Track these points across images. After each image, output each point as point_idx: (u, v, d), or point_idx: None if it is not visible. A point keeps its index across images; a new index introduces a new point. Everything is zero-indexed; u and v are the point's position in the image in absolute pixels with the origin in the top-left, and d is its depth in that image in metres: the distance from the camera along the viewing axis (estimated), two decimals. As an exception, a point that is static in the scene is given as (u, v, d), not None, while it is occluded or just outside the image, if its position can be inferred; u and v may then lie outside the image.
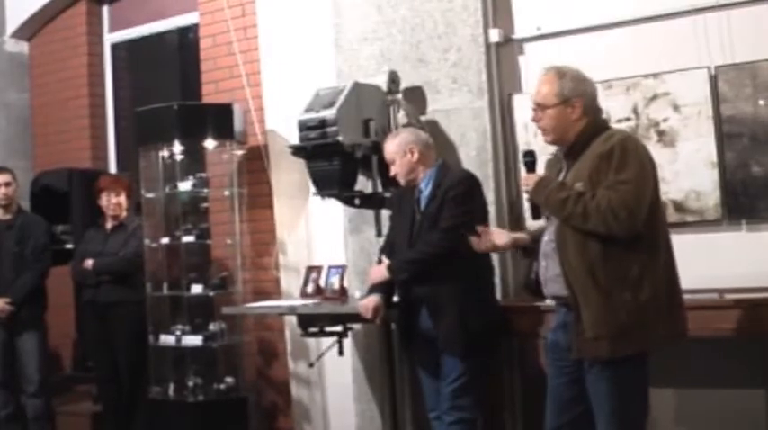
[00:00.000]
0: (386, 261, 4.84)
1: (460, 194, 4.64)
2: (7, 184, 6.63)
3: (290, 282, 6.42)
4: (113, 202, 6.56)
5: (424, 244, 4.66)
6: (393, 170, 4.86)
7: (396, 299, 4.90)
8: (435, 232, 4.63)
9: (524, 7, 5.57)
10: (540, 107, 3.86)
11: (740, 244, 4.92)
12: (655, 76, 5.10)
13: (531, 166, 3.99)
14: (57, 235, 7.00)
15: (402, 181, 4.85)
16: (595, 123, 3.85)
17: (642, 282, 3.61)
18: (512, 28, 5.59)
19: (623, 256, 3.63)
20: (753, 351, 4.63)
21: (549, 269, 3.85)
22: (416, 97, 5.61)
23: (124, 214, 6.64)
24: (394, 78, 5.48)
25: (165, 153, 6.58)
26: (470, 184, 4.75)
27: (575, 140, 3.82)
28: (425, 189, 4.78)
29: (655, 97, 5.10)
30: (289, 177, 6.38)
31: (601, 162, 3.65)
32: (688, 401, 4.96)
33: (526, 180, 3.92)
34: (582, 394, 3.82)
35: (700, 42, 5.01)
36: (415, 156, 4.79)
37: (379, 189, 5.32)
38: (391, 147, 4.86)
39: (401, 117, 5.40)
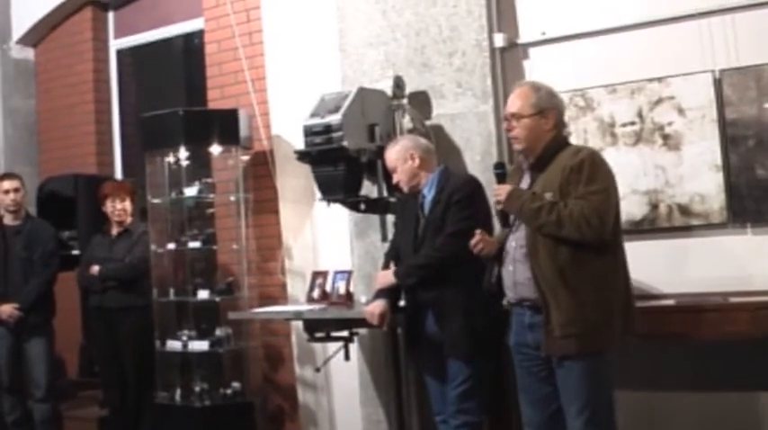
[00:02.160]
0: (392, 267, 4.85)
1: (464, 198, 4.65)
2: (16, 190, 6.65)
3: (296, 287, 6.43)
4: (118, 208, 6.58)
5: (430, 249, 4.66)
6: (395, 178, 4.87)
7: (401, 303, 4.91)
8: (441, 237, 4.63)
9: (529, 12, 5.57)
10: (514, 117, 4.08)
11: (745, 247, 4.93)
12: (659, 79, 5.11)
13: (501, 177, 4.16)
14: (63, 240, 7.00)
15: (405, 188, 4.85)
16: (560, 137, 4.11)
17: (607, 283, 3.89)
18: (516, 33, 5.59)
19: (591, 260, 3.87)
20: (758, 354, 4.63)
21: (517, 273, 4.05)
22: (421, 102, 5.62)
23: (129, 220, 6.66)
24: (399, 83, 5.48)
25: (170, 159, 6.60)
26: (473, 188, 4.75)
27: (542, 152, 4.05)
28: (428, 194, 4.79)
29: (659, 101, 5.11)
30: (294, 182, 6.39)
31: (571, 174, 3.90)
32: (692, 404, 4.95)
33: (498, 190, 4.09)
34: (554, 393, 4.02)
35: (704, 46, 5.02)
36: (416, 161, 4.80)
37: (385, 194, 5.32)
38: (392, 155, 4.87)
39: (406, 122, 5.40)
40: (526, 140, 4.05)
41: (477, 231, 4.23)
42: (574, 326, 3.81)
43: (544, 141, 4.03)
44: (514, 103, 4.09)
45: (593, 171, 3.88)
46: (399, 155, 4.83)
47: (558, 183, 3.90)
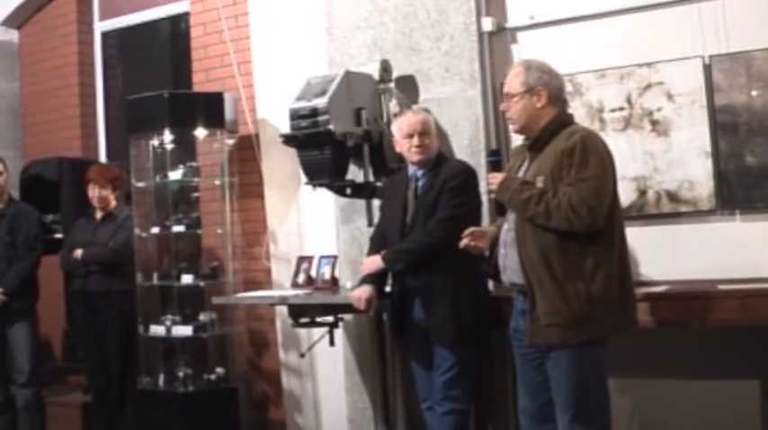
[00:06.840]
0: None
1: (459, 186, 4.64)
2: (-1, 174, 6.60)
3: (281, 272, 6.40)
4: (98, 196, 6.53)
5: (421, 234, 4.64)
6: (422, 140, 4.76)
7: (388, 289, 4.88)
8: (432, 222, 4.61)
9: (517, -4, 5.54)
10: (508, 97, 4.04)
11: (734, 234, 4.90)
12: (649, 65, 5.07)
13: (496, 165, 4.13)
14: (47, 224, 6.95)
15: (422, 156, 4.76)
16: (561, 117, 4.01)
17: (596, 273, 3.76)
18: (504, 17, 5.55)
19: (579, 248, 3.77)
20: (745, 341, 4.61)
21: (508, 257, 3.99)
22: (408, 86, 5.58)
23: (113, 204, 6.61)
24: (386, 67, 5.45)
25: (155, 142, 6.55)
26: (469, 176, 4.74)
27: (539, 133, 3.97)
28: (422, 178, 4.76)
29: (649, 86, 5.08)
30: (280, 166, 6.35)
31: (563, 159, 3.81)
32: (680, 392, 4.94)
33: (491, 179, 4.03)
34: (548, 382, 3.95)
35: (694, 31, 4.98)
36: (438, 140, 4.89)
37: (371, 178, 5.29)
38: (430, 123, 4.86)
39: (393, 106, 5.37)
40: (519, 121, 4.01)
41: (468, 230, 4.16)
42: (558, 315, 3.74)
43: (542, 121, 3.96)
44: (508, 84, 4.05)
45: (584, 156, 3.76)
46: (433, 126, 4.86)
47: (550, 168, 3.82)
